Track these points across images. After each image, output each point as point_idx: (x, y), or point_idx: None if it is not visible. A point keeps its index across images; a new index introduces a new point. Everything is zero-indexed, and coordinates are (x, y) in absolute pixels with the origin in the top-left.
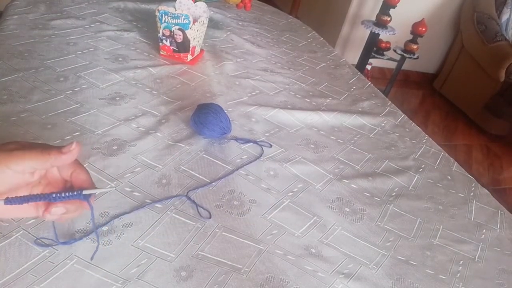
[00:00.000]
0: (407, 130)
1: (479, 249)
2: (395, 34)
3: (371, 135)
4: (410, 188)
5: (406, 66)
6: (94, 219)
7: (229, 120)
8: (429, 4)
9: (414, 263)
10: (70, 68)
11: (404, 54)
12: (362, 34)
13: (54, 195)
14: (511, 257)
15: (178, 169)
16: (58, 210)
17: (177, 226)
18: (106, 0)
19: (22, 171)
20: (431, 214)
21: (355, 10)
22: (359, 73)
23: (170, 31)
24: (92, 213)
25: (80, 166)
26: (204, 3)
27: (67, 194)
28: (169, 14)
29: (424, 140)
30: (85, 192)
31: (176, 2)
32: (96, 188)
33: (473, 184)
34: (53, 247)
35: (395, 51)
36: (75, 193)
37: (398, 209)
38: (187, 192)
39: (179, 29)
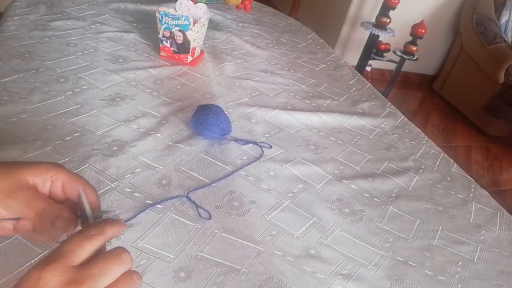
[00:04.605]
0: (407, 131)
1: (478, 250)
2: (394, 35)
3: (371, 136)
4: (410, 189)
5: (406, 67)
6: None
7: (229, 121)
8: (428, 6)
9: (413, 264)
10: (71, 69)
11: (404, 56)
12: (362, 36)
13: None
14: (510, 258)
15: (178, 170)
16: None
17: (177, 226)
18: (106, 1)
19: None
20: (431, 215)
21: (355, 11)
22: (358, 74)
23: (171, 32)
24: None
25: (89, 187)
26: (204, 4)
27: (78, 213)
28: (169, 15)
29: (424, 141)
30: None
31: (177, 3)
32: (102, 211)
33: (473, 185)
34: (53, 248)
35: (394, 52)
36: (79, 212)
37: (398, 210)
38: (187, 193)
39: (179, 30)
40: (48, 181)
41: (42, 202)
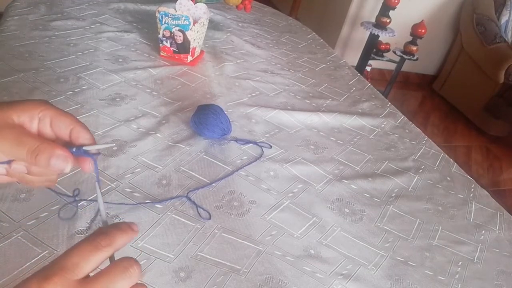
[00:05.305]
0: (407, 131)
1: (478, 250)
2: (394, 35)
3: (371, 136)
4: (410, 189)
5: (406, 67)
6: (99, 175)
7: (229, 121)
8: (428, 6)
9: (413, 264)
10: (71, 69)
11: (404, 56)
12: (362, 36)
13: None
14: (510, 258)
15: (178, 170)
16: (19, 167)
17: (177, 226)
18: (107, 1)
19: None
20: (431, 215)
21: (355, 11)
22: (358, 74)
23: (171, 32)
24: (96, 168)
25: (79, 123)
26: (204, 4)
27: (73, 150)
28: (169, 15)
29: (424, 141)
30: (86, 148)
31: (177, 3)
32: (99, 144)
33: (473, 185)
34: (53, 248)
35: (394, 52)
36: (74, 149)
37: (398, 210)
38: (187, 193)
39: (179, 30)
40: (35, 119)
41: (33, 139)
